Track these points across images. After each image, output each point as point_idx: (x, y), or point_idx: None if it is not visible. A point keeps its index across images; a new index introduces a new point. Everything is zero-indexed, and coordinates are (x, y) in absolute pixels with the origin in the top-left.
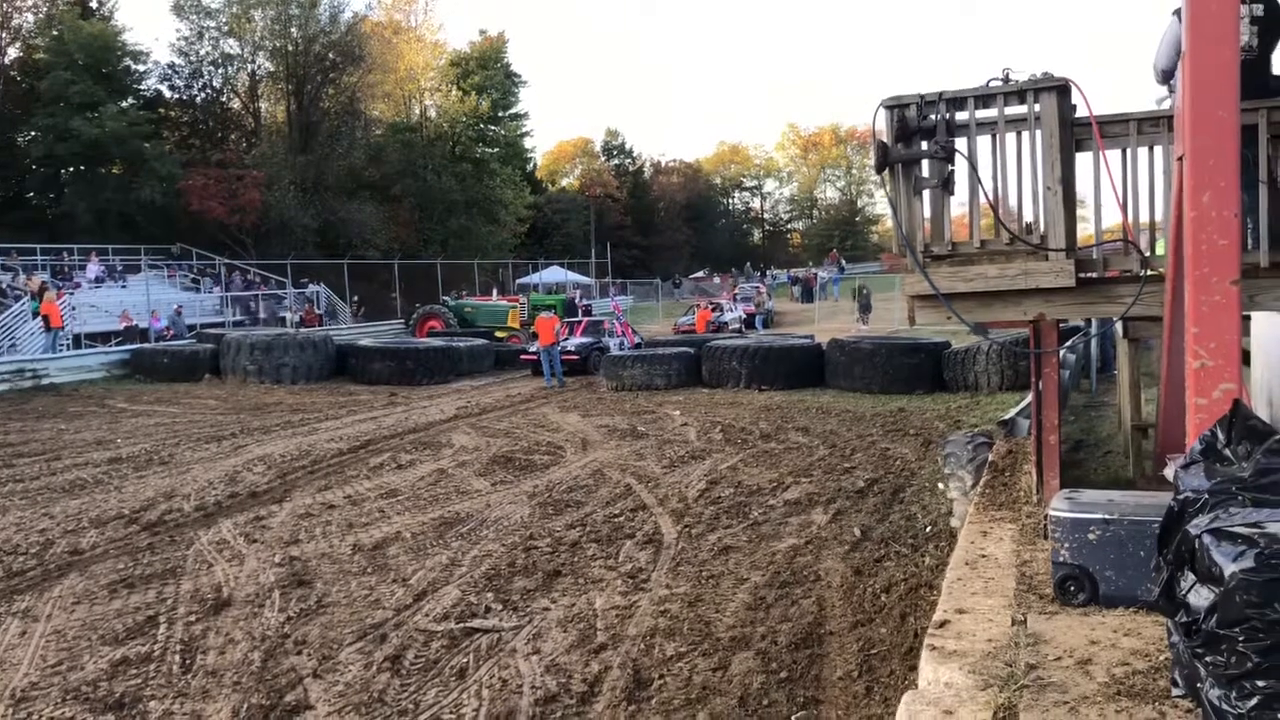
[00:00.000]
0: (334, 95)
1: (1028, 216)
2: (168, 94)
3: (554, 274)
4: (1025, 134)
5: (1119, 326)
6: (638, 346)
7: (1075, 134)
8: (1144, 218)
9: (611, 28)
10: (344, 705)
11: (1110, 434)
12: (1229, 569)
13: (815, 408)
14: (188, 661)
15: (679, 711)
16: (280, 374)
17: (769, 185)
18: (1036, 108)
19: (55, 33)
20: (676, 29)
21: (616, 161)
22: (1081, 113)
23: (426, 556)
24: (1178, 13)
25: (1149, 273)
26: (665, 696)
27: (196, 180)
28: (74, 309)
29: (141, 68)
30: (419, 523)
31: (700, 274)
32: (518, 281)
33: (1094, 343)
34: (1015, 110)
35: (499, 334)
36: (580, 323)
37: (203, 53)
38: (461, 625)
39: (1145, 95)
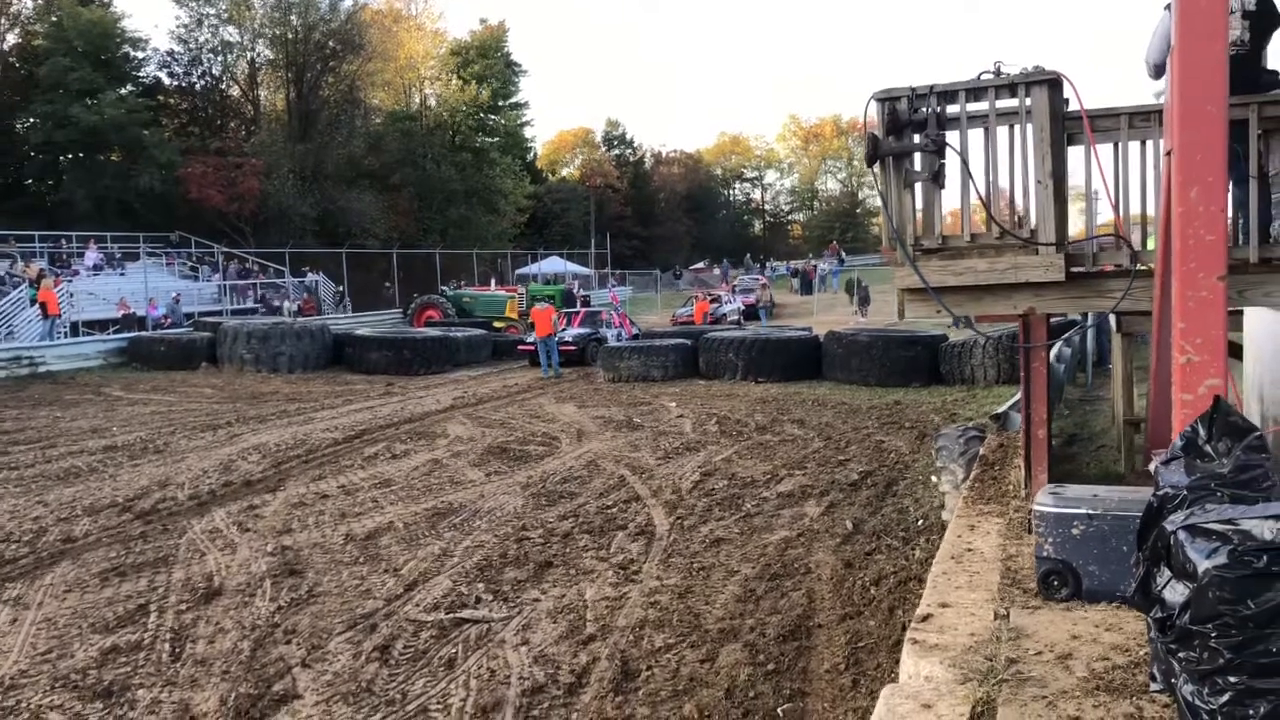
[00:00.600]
0: (334, 83)
1: (1018, 210)
2: (167, 81)
3: (553, 264)
4: (1017, 128)
5: (1113, 321)
6: (635, 338)
7: (1067, 128)
8: (1135, 212)
9: (612, 18)
10: (332, 695)
11: (1104, 428)
12: (1202, 565)
13: (811, 400)
14: (177, 650)
15: (666, 703)
16: (277, 363)
17: (770, 176)
18: (1028, 101)
19: (54, 19)
20: (678, 19)
21: (617, 152)
22: (1073, 107)
23: (419, 547)
24: (1170, 6)
25: (1140, 267)
26: (652, 688)
27: (195, 168)
28: (72, 296)
29: (141, 55)
30: (412, 513)
31: (700, 265)
32: (517, 272)
33: (1090, 336)
34: (1006, 104)
35: (497, 324)
36: (578, 313)
37: (202, 40)
38: (451, 615)
39: (1147, 91)
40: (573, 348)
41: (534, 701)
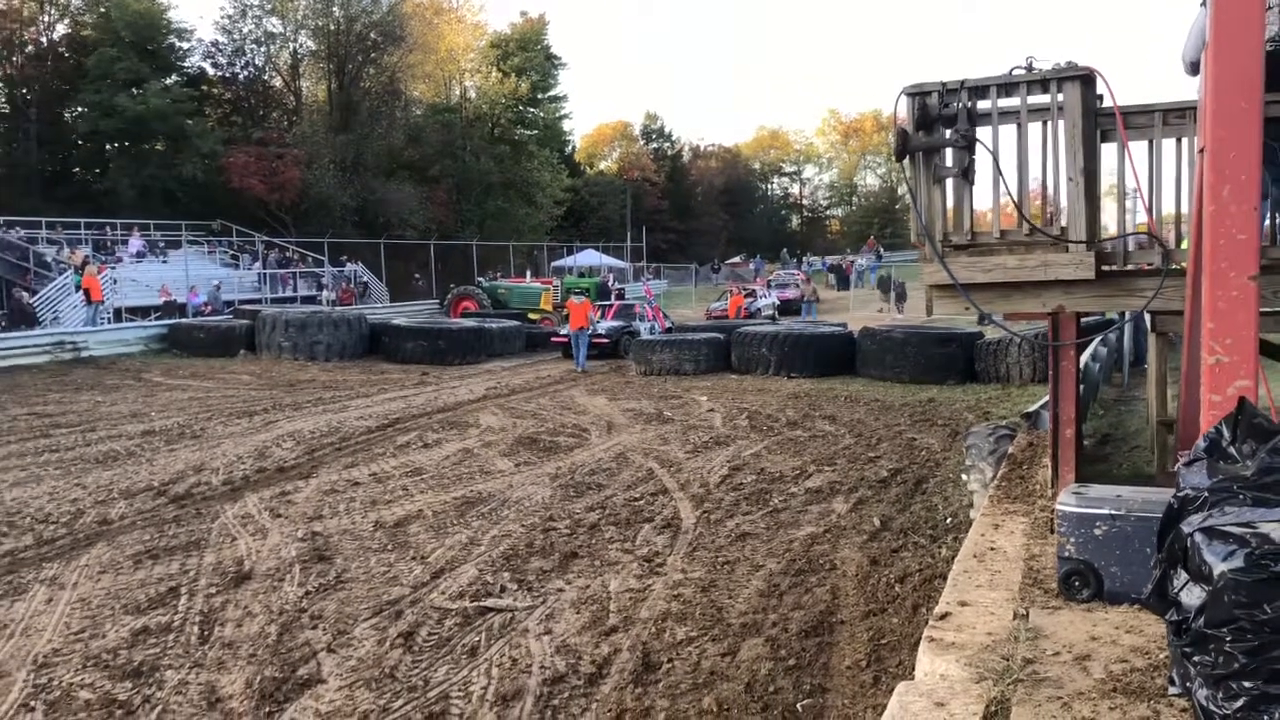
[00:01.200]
0: (374, 75)
1: (1049, 207)
2: (211, 71)
3: (589, 257)
4: (1048, 124)
5: (1148, 320)
6: (668, 331)
7: (1100, 124)
8: (1168, 210)
9: (653, 10)
10: (355, 680)
11: (1138, 429)
12: (1218, 568)
13: (844, 396)
14: (206, 633)
15: (685, 695)
16: (314, 351)
17: (808, 171)
18: (1060, 97)
19: (103, 10)
20: (719, 12)
21: (655, 145)
22: (1106, 103)
23: (446, 535)
24: (1206, 2)
25: (1172, 266)
26: (673, 680)
27: (237, 158)
28: (115, 283)
29: (185, 45)
30: (441, 501)
31: (736, 259)
32: (552, 264)
33: (1127, 336)
34: (1038, 99)
35: (531, 316)
36: (612, 306)
37: (246, 31)
38: (476, 604)
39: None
40: (606, 340)
41: (555, 691)
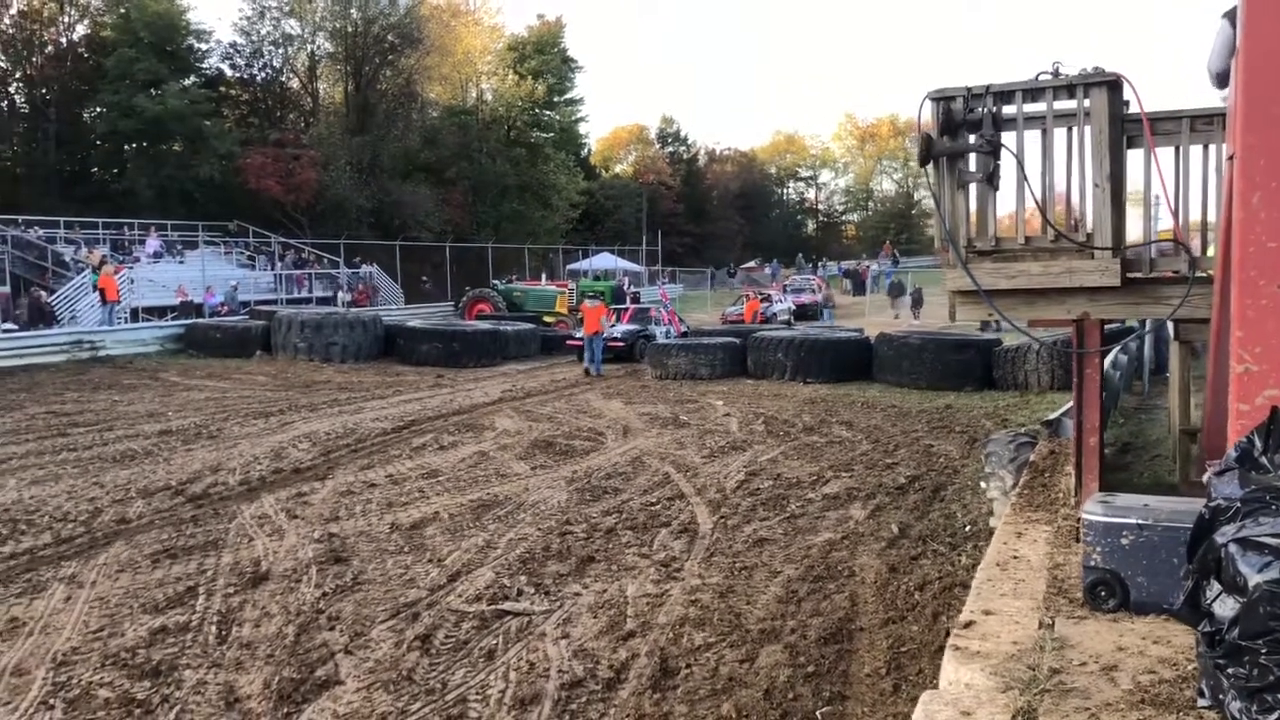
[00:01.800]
0: (391, 77)
1: (1074, 214)
2: (229, 73)
3: (604, 260)
4: (1074, 130)
5: (1171, 328)
6: (684, 335)
7: (1126, 130)
8: (1195, 218)
9: (669, 14)
10: (373, 682)
11: (1160, 437)
12: (1253, 579)
13: (861, 402)
14: (224, 633)
15: (703, 702)
16: (330, 352)
17: (824, 176)
18: (1086, 103)
19: (122, 11)
20: (735, 16)
21: (671, 149)
22: (1133, 109)
23: (463, 538)
24: (1228, 15)
25: (1199, 274)
26: (691, 686)
27: (254, 159)
28: (132, 283)
29: (204, 46)
30: (457, 504)
31: (751, 264)
32: (568, 267)
33: (1148, 344)
34: (1064, 105)
35: (546, 319)
36: (627, 310)
37: (264, 32)
38: (493, 607)
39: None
40: (621, 344)
41: (572, 695)
